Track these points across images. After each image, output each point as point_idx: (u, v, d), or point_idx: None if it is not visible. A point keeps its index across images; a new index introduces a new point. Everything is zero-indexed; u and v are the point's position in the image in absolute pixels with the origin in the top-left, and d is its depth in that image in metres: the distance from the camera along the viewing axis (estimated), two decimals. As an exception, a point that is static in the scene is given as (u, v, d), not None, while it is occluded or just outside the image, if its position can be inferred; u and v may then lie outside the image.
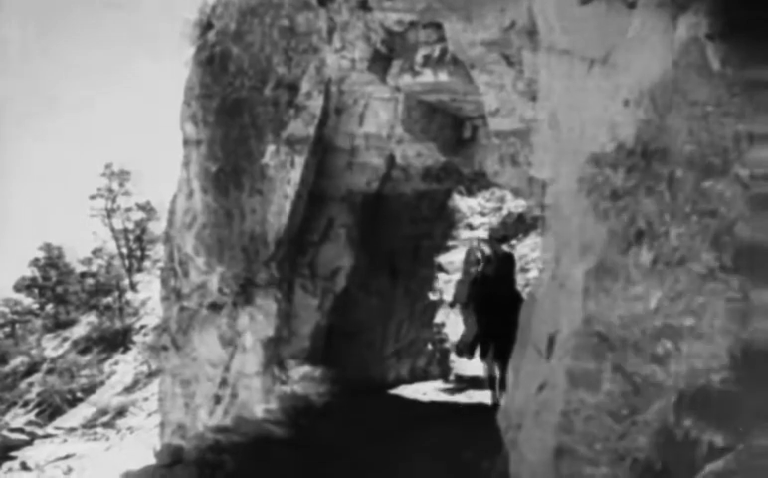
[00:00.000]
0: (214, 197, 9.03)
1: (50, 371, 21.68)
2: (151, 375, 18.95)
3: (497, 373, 8.24)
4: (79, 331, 24.74)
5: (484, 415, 6.96)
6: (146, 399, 18.37)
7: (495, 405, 7.98)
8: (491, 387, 8.43)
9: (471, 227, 19.33)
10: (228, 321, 9.20)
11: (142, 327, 23.13)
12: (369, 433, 7.64)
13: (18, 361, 23.38)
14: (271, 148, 8.54)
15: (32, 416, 19.84)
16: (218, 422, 9.18)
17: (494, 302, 8.20)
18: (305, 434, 7.93)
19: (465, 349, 8.83)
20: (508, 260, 9.38)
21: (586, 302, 3.73)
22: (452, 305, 11.47)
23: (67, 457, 16.62)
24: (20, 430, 18.90)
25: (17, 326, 26.23)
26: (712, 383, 2.97)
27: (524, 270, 14.14)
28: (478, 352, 8.66)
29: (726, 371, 2.93)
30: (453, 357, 10.68)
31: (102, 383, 20.89)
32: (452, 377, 10.81)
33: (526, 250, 15.49)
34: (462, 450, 6.64)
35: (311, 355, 8.94)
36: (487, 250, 11.28)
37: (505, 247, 9.62)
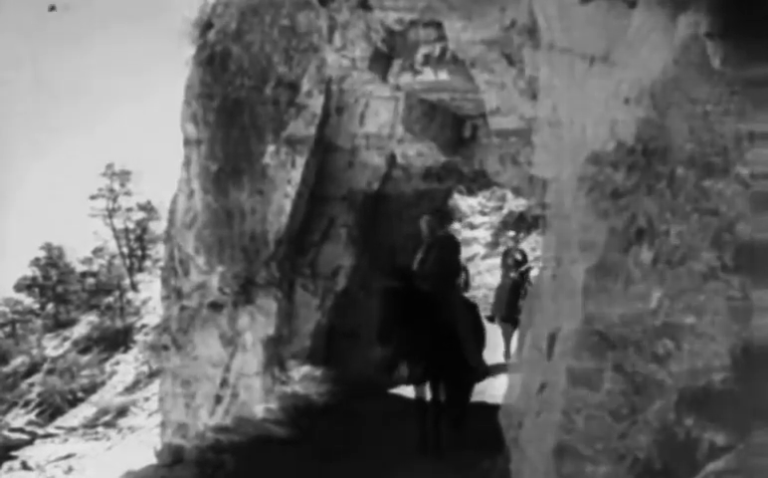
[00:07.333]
0: (214, 197, 9.04)
1: (50, 371, 21.69)
2: (152, 375, 18.96)
3: (429, 397, 6.67)
4: (79, 330, 24.73)
5: (485, 414, 6.95)
6: (147, 399, 18.38)
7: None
8: (420, 414, 6.77)
9: (471, 226, 19.36)
10: (228, 320, 9.21)
11: (143, 326, 23.12)
12: (370, 433, 7.64)
13: (19, 361, 23.39)
14: (271, 148, 8.56)
15: (33, 416, 19.86)
16: (219, 422, 9.18)
17: (412, 313, 6.43)
18: (306, 434, 7.93)
19: (383, 370, 7.12)
20: (444, 246, 6.91)
21: (586, 301, 3.72)
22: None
23: (68, 457, 16.66)
24: (21, 430, 18.93)
25: (18, 326, 26.22)
26: (713, 382, 2.96)
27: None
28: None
29: (727, 371, 2.93)
30: None
31: (103, 383, 20.90)
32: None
33: (527, 249, 15.48)
34: (463, 449, 6.63)
35: (312, 354, 8.95)
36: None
37: (452, 229, 8.19)
